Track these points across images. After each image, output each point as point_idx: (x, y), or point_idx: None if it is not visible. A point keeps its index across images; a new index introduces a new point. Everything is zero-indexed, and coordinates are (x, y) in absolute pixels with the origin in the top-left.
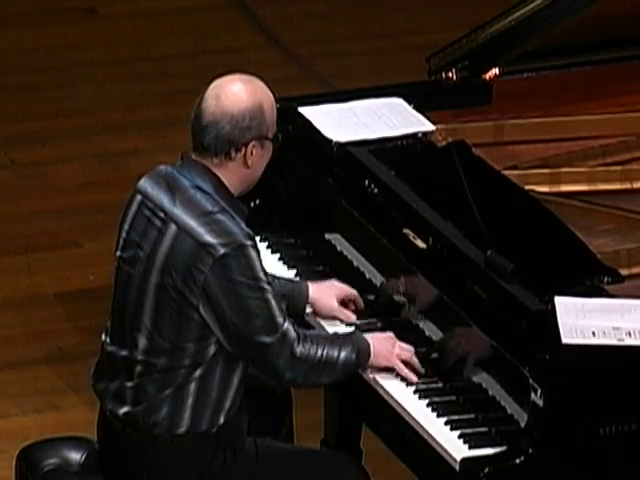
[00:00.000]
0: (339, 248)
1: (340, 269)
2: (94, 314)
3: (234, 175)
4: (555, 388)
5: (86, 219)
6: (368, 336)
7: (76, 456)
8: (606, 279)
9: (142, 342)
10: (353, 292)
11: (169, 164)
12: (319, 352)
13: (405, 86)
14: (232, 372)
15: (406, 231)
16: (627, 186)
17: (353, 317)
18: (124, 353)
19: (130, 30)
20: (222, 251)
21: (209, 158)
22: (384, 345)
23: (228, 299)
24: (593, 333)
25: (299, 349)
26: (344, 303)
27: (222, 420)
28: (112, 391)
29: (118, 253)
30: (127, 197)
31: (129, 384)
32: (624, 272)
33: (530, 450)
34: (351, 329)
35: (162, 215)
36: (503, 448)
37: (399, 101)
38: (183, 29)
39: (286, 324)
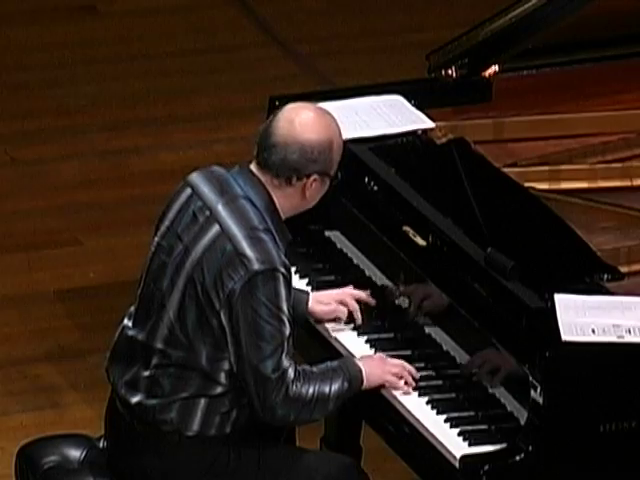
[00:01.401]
0: (339, 246)
1: (340, 267)
2: (94, 312)
3: (288, 201)
4: (555, 385)
5: (86, 217)
6: (359, 361)
7: (76, 453)
8: (606, 276)
9: (163, 331)
10: (356, 293)
11: (223, 166)
12: (311, 390)
13: (405, 83)
14: (243, 396)
15: (406, 228)
16: (627, 183)
17: (357, 314)
18: (144, 339)
19: (130, 28)
20: (256, 267)
21: (269, 176)
22: (375, 366)
23: (246, 315)
24: (593, 330)
25: (294, 388)
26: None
27: (229, 430)
28: (127, 378)
29: (157, 240)
30: (128, 194)
31: (145, 373)
32: (624, 269)
33: (530, 447)
34: (354, 335)
35: (208, 213)
36: (503, 445)
37: (399, 98)
38: (184, 27)
39: (287, 363)
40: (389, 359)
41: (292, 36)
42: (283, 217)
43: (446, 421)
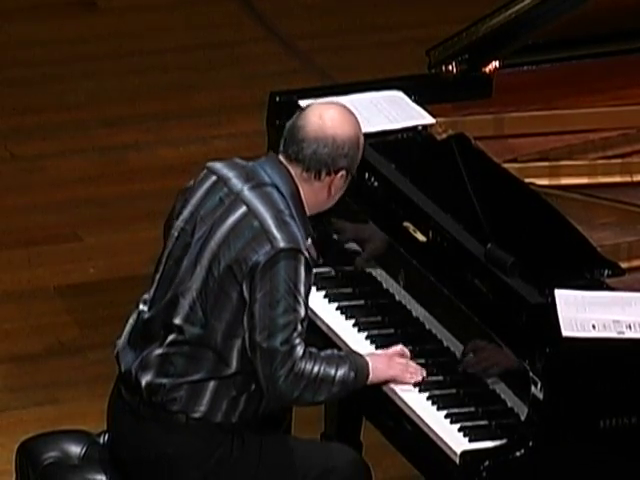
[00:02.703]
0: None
1: (340, 262)
2: (94, 307)
3: (314, 196)
4: (555, 381)
5: (86, 212)
6: (367, 355)
7: (76, 449)
8: (606, 272)
9: (184, 308)
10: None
11: (245, 158)
12: (316, 369)
13: (405, 79)
14: (252, 381)
15: (406, 224)
16: (627, 179)
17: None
18: (163, 317)
19: (130, 23)
20: (281, 245)
21: (299, 170)
22: (382, 361)
23: (264, 288)
24: (593, 326)
25: (299, 365)
26: None
27: (235, 419)
28: (140, 359)
29: (180, 224)
30: (127, 190)
31: (158, 351)
32: (624, 265)
33: (530, 443)
34: (355, 330)
35: (234, 197)
36: (503, 441)
37: (399, 94)
38: (183, 22)
39: (298, 340)
40: (395, 357)
41: (292, 31)
42: (308, 213)
43: (446, 417)
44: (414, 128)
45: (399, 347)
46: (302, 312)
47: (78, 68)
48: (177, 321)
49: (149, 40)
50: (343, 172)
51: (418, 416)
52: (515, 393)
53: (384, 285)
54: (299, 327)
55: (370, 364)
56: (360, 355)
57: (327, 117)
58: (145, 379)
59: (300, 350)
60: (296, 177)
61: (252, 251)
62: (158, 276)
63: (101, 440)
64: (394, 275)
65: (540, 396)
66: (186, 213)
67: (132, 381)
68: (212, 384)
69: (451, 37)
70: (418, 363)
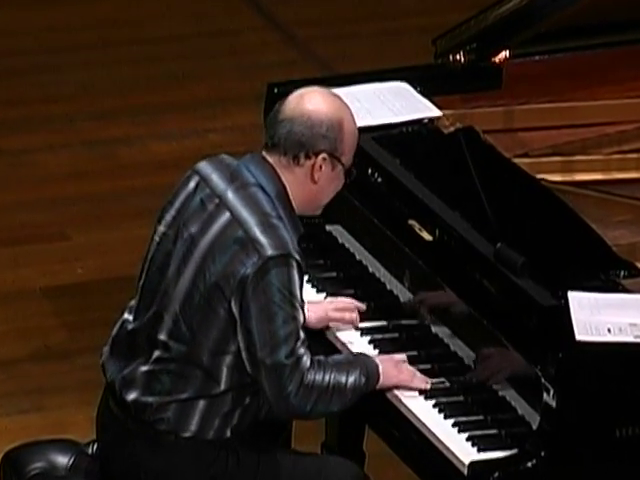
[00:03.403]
0: (340, 240)
1: (341, 262)
2: (83, 310)
3: (299, 186)
4: (568, 388)
5: (75, 210)
6: (376, 358)
7: (63, 460)
8: (622, 273)
9: (167, 323)
10: (350, 303)
11: (232, 155)
12: (327, 379)
13: (410, 69)
14: (245, 396)
15: (411, 222)
16: None
17: (354, 316)
18: (148, 331)
19: (121, 11)
20: (270, 252)
21: (277, 156)
22: (390, 365)
23: (258, 301)
24: (609, 330)
25: (309, 377)
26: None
27: (229, 434)
28: (124, 374)
29: (162, 229)
30: (118, 186)
31: (143, 368)
32: None
33: (542, 453)
34: (357, 334)
35: (217, 201)
36: (513, 451)
37: (404, 85)
38: (177, 10)
39: (303, 350)
40: (396, 356)
41: (291, 20)
42: (297, 210)
43: (454, 425)
44: (419, 121)
45: (403, 355)
46: (301, 318)
47: (67, 58)
48: (161, 337)
49: (142, 29)
50: (324, 155)
51: (424, 425)
52: (526, 400)
53: (388, 286)
54: (301, 335)
55: (380, 367)
56: (369, 357)
57: (306, 98)
58: (131, 397)
59: (307, 360)
60: (277, 166)
61: (239, 264)
62: (141, 284)
63: (89, 450)
64: (398, 276)
65: (552, 404)
66: (168, 217)
67: (117, 396)
68: (201, 403)
69: (459, 25)
70: (424, 369)
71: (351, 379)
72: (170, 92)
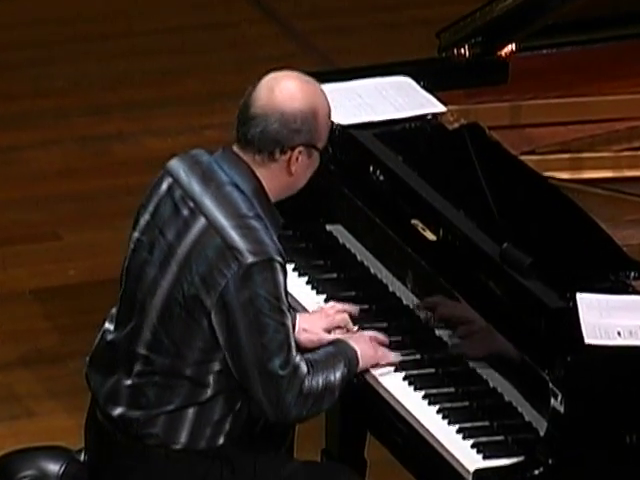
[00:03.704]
0: (341, 240)
1: (342, 263)
2: (75, 312)
3: (275, 179)
4: (577, 393)
5: (66, 208)
6: (351, 341)
7: (54, 467)
8: (633, 274)
9: (147, 336)
10: (344, 318)
11: (205, 150)
12: (320, 382)
13: (413, 64)
14: (236, 398)
15: (414, 222)
16: None
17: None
18: (126, 344)
19: (114, 3)
20: (250, 259)
21: (251, 154)
22: (366, 346)
23: (245, 313)
24: (619, 333)
25: (306, 384)
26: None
27: (222, 441)
28: (107, 387)
29: (136, 235)
30: (111, 184)
31: (127, 382)
32: None
33: (550, 461)
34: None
35: (192, 205)
36: (520, 458)
37: (407, 80)
38: (172, 2)
39: (298, 357)
40: (365, 333)
41: (290, 12)
42: (273, 199)
43: (458, 432)
44: (423, 117)
45: (373, 332)
46: (289, 321)
47: (58, 51)
48: (141, 350)
49: (135, 21)
50: (300, 148)
51: (427, 431)
52: (533, 406)
53: (390, 288)
54: (291, 339)
55: (358, 351)
56: (346, 344)
57: (277, 90)
58: (116, 412)
59: (304, 367)
60: (251, 163)
61: (219, 274)
62: (120, 293)
63: (81, 457)
64: (401, 277)
65: (561, 409)
66: (142, 222)
67: (103, 410)
68: (190, 412)
69: (463, 17)
70: (428, 373)
71: (338, 374)
72: (165, 87)
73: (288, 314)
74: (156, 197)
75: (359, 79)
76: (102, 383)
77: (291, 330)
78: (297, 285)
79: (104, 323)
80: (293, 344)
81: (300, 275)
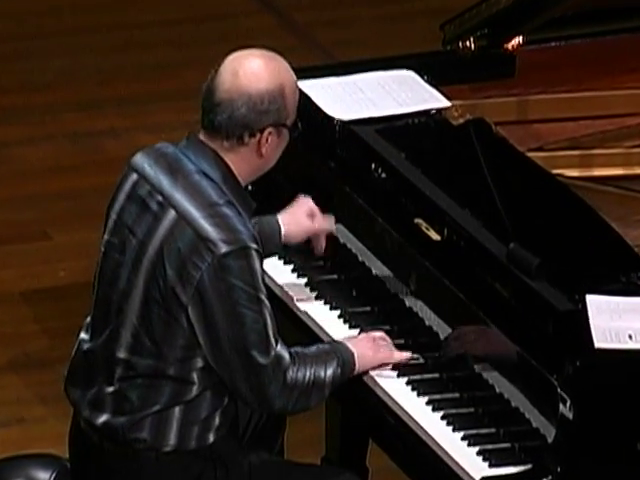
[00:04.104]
0: (342, 240)
1: (343, 264)
2: (65, 315)
3: (245, 163)
4: (587, 399)
5: (57, 207)
6: (350, 343)
7: (44, 476)
8: None
9: (126, 339)
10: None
11: (170, 142)
12: (307, 375)
13: (417, 57)
14: (223, 396)
15: (418, 221)
16: None
17: (332, 222)
18: (105, 351)
19: None
20: (224, 249)
21: (219, 141)
22: (366, 347)
23: (222, 305)
24: (630, 336)
25: (290, 374)
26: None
27: (212, 439)
28: (89, 397)
29: (106, 237)
30: (103, 182)
31: (109, 389)
32: None
33: (558, 469)
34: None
35: (160, 199)
36: (528, 466)
37: (410, 74)
38: None
39: (279, 346)
40: (373, 334)
41: (290, 4)
42: (243, 183)
43: (463, 439)
44: (427, 112)
45: (380, 332)
46: (268, 310)
47: (48, 44)
48: (121, 355)
49: (128, 13)
50: (270, 129)
51: (431, 438)
52: (541, 412)
53: (392, 290)
54: (270, 328)
55: (356, 354)
56: (344, 345)
57: (241, 72)
58: (100, 420)
59: (286, 356)
60: (219, 150)
61: (193, 267)
62: (94, 299)
63: None
64: (404, 279)
65: (569, 415)
66: (111, 223)
67: (86, 420)
68: (177, 411)
69: (469, 9)
70: (432, 378)
71: (329, 372)
72: (160, 81)
73: (266, 302)
74: (122, 195)
75: (361, 73)
76: (83, 395)
77: (271, 318)
78: (296, 286)
79: (79, 333)
80: (272, 332)
81: (299, 276)
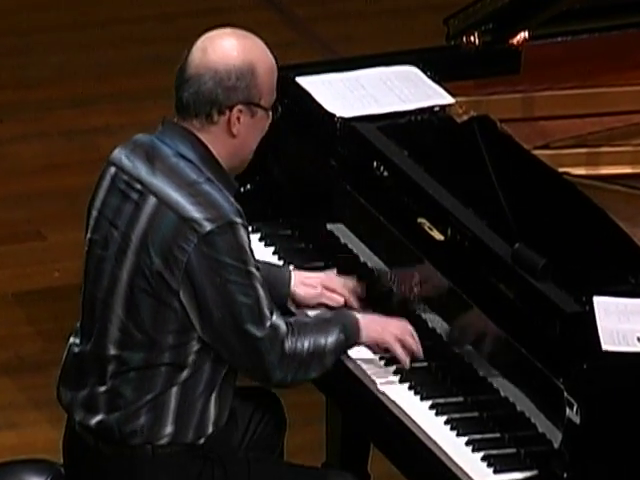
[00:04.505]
0: (343, 240)
1: (344, 265)
2: (59, 317)
3: (219, 144)
4: (594, 403)
5: (50, 207)
6: (356, 313)
7: None
8: None
9: (115, 334)
10: (348, 283)
11: (147, 133)
12: (306, 344)
13: (420, 52)
14: (219, 374)
15: (421, 220)
16: None
17: (341, 300)
18: (95, 350)
19: None
20: (208, 227)
21: (190, 120)
22: (375, 321)
23: (212, 283)
24: (638, 339)
25: (288, 344)
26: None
27: (210, 430)
28: (81, 400)
29: (88, 235)
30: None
31: (102, 389)
32: None
33: (565, 475)
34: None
35: (139, 187)
36: (534, 472)
37: (412, 70)
38: None
39: (274, 316)
40: (391, 319)
41: None
42: (226, 167)
43: (468, 444)
44: (430, 109)
45: (405, 321)
46: (259, 281)
47: (42, 39)
48: (111, 351)
49: (124, 7)
50: (240, 107)
51: (435, 443)
52: (547, 416)
53: (395, 291)
54: (264, 299)
55: (360, 322)
56: (346, 311)
57: (210, 49)
58: (94, 420)
59: (283, 326)
60: (194, 131)
61: (179, 250)
62: (81, 300)
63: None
64: (406, 280)
65: (576, 420)
66: (92, 221)
67: (81, 423)
68: (174, 392)
69: (473, 3)
70: (436, 382)
71: (330, 340)
72: (156, 77)
73: (257, 274)
74: (102, 191)
75: (362, 69)
76: (74, 397)
77: (264, 290)
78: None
79: (69, 338)
80: (266, 303)
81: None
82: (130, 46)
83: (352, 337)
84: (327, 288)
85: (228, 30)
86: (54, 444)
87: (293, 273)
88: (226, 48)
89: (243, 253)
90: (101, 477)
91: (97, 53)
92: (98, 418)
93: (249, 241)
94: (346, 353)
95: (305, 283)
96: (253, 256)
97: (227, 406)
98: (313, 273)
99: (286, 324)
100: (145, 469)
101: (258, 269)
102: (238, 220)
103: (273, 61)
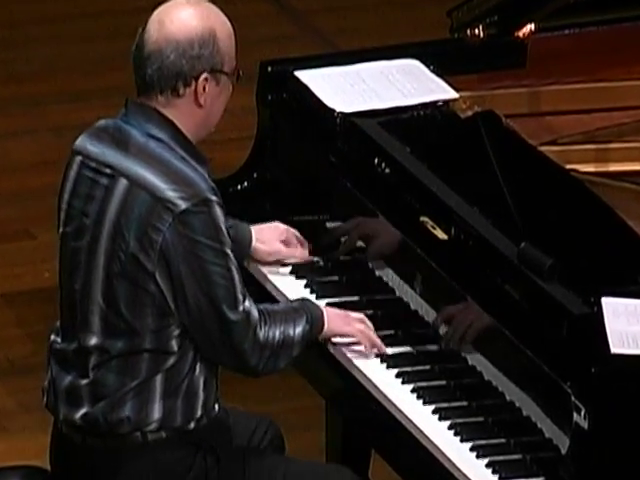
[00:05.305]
0: (343, 239)
1: (344, 265)
2: (50, 319)
3: (186, 117)
4: (602, 407)
5: (41, 205)
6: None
7: None
8: None
9: (96, 324)
10: (294, 232)
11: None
12: (277, 333)
13: (422, 45)
14: (202, 360)
15: (424, 219)
16: None
17: (305, 253)
18: (76, 343)
19: None
20: (183, 206)
21: (154, 97)
22: (338, 314)
23: (188, 263)
24: None
25: (261, 332)
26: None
27: (199, 412)
28: (64, 395)
29: (60, 230)
30: None
31: (84, 381)
32: None
33: None
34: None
35: (108, 171)
36: (540, 479)
37: (415, 63)
38: None
39: (247, 302)
40: (351, 312)
41: None
42: (193, 140)
43: (472, 450)
44: (433, 104)
45: (359, 314)
46: (234, 264)
47: (32, 32)
48: (94, 341)
49: None
50: (205, 75)
51: (437, 449)
52: (554, 421)
53: (397, 292)
54: (238, 283)
55: (325, 314)
56: (312, 303)
57: (168, 21)
58: (79, 414)
59: (255, 313)
60: (160, 108)
61: (154, 231)
62: (59, 299)
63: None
64: (409, 280)
65: (584, 425)
66: (62, 215)
67: (66, 419)
68: (158, 379)
69: None
70: (439, 385)
71: (298, 330)
72: None
73: (231, 256)
74: (69, 183)
75: (363, 62)
76: (57, 393)
77: (238, 273)
78: (295, 288)
79: (50, 337)
80: (240, 287)
81: (298, 277)
82: (123, 39)
83: (317, 329)
84: (284, 242)
85: (180, 0)
86: (45, 450)
87: (253, 230)
88: (184, 18)
89: (219, 232)
90: (90, 475)
91: (89, 46)
92: (83, 411)
93: (225, 220)
94: (346, 356)
95: (262, 240)
96: (229, 235)
97: (214, 386)
98: (269, 225)
99: (258, 312)
100: (135, 460)
101: (233, 250)
102: (213, 198)
103: (230, 25)
